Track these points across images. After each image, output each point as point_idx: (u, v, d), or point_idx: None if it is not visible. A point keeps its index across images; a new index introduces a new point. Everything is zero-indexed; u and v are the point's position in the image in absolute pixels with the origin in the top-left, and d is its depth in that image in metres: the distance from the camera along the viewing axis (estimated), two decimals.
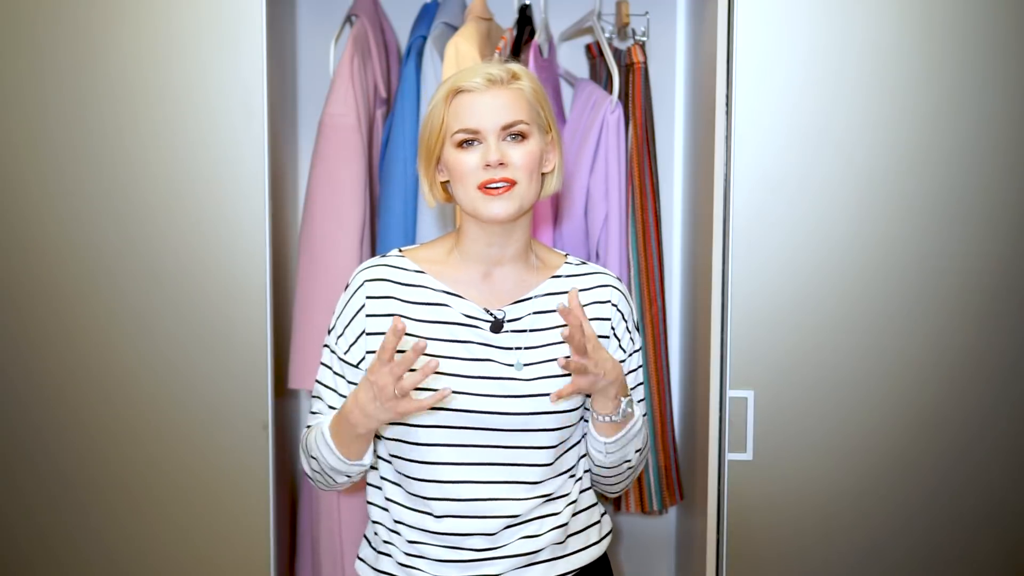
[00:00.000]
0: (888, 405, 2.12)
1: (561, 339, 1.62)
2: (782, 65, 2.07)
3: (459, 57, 2.19)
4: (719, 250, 2.12)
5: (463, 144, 1.60)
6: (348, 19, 2.43)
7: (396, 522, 1.68)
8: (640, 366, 1.77)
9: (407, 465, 1.65)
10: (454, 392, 1.59)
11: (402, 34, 2.61)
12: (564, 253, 1.77)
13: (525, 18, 2.52)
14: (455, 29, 2.36)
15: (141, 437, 2.16)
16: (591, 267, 1.75)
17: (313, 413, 1.71)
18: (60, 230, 2.12)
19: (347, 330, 1.66)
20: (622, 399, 1.61)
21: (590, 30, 2.61)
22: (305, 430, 1.71)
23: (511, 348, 1.64)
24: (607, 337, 1.71)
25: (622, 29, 2.55)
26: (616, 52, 2.50)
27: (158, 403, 2.15)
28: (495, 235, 1.65)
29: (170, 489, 2.17)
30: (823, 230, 2.09)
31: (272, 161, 2.14)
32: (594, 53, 2.65)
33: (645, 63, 2.42)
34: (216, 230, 2.12)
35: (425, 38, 2.33)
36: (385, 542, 1.69)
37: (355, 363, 1.66)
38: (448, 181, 1.66)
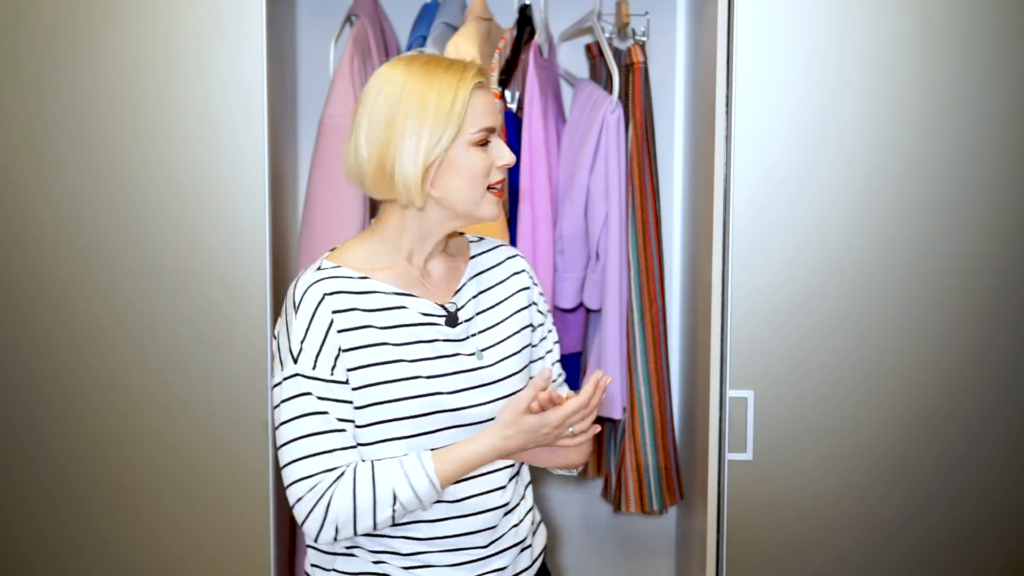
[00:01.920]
0: (888, 405, 2.12)
1: (503, 316, 1.66)
2: (782, 65, 2.07)
3: (460, 57, 2.18)
4: (719, 250, 2.12)
5: (480, 144, 1.54)
6: (348, 19, 2.43)
7: (384, 536, 1.58)
8: (552, 328, 1.78)
9: None
10: (432, 394, 1.56)
11: (402, 34, 2.61)
12: (459, 232, 1.72)
13: (525, 18, 2.52)
14: (455, 29, 2.35)
15: (141, 436, 2.16)
16: (489, 241, 1.74)
17: (315, 456, 1.50)
18: (60, 230, 2.12)
19: (322, 351, 1.51)
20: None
21: (590, 30, 2.61)
22: (336, 485, 1.48)
23: (467, 338, 1.61)
24: (528, 307, 1.70)
25: (622, 29, 2.55)
26: (616, 52, 2.50)
27: (158, 402, 2.15)
28: (445, 234, 1.60)
29: (170, 488, 2.17)
30: (823, 230, 2.09)
31: (272, 161, 2.14)
32: (594, 53, 2.65)
33: (645, 63, 2.42)
34: (216, 230, 2.12)
35: (425, 38, 2.33)
36: (375, 562, 1.59)
37: (343, 380, 1.52)
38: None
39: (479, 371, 1.60)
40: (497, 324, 1.66)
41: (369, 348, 1.53)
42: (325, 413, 1.50)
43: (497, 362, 1.62)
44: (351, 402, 1.53)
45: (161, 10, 2.08)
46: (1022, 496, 2.13)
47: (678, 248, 2.71)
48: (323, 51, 2.53)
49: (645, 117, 2.41)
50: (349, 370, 1.53)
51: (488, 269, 1.69)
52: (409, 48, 2.35)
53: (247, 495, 2.15)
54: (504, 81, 2.33)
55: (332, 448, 1.50)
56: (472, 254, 1.70)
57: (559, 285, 2.39)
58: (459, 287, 1.64)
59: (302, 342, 1.51)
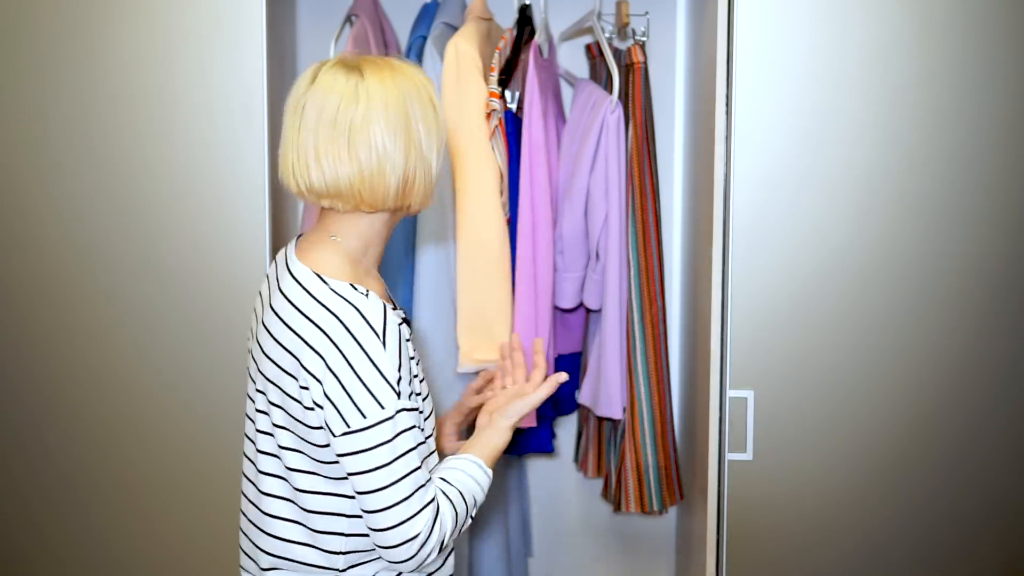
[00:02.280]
0: (888, 405, 2.12)
1: None
2: (782, 65, 2.07)
3: (459, 57, 2.18)
4: (719, 250, 2.12)
5: None
6: (348, 19, 2.43)
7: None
8: None
9: None
10: (428, 396, 1.62)
11: (402, 34, 2.61)
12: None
13: (525, 18, 2.52)
14: (455, 29, 2.35)
15: (141, 436, 2.16)
16: None
17: (423, 487, 1.48)
18: (61, 230, 2.12)
19: (408, 382, 1.50)
20: None
21: (590, 30, 2.61)
22: (441, 510, 1.50)
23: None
24: None
25: (622, 29, 2.55)
26: (616, 52, 2.50)
27: (158, 402, 2.15)
28: (389, 234, 1.61)
29: (171, 488, 2.17)
30: (823, 230, 2.09)
31: (272, 161, 2.14)
32: (594, 53, 2.65)
33: (645, 63, 2.42)
34: (216, 230, 2.12)
35: (425, 38, 2.33)
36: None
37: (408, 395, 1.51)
38: None
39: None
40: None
41: (412, 362, 1.54)
42: (423, 443, 1.51)
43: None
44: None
45: (161, 10, 2.08)
46: (1022, 496, 2.13)
47: (678, 248, 2.71)
48: (323, 51, 2.53)
49: (645, 117, 2.41)
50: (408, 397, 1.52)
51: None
52: (409, 48, 2.35)
53: None
54: (504, 81, 2.32)
55: (429, 477, 1.51)
56: None
57: (559, 285, 2.39)
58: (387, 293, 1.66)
59: (399, 370, 1.46)
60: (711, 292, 2.13)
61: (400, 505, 1.44)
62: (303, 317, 1.47)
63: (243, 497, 1.66)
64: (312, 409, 1.47)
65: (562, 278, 2.40)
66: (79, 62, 2.09)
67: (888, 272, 2.09)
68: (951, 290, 2.09)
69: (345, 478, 1.52)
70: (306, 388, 1.46)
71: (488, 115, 2.24)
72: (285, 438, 1.53)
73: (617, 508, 2.46)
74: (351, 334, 1.44)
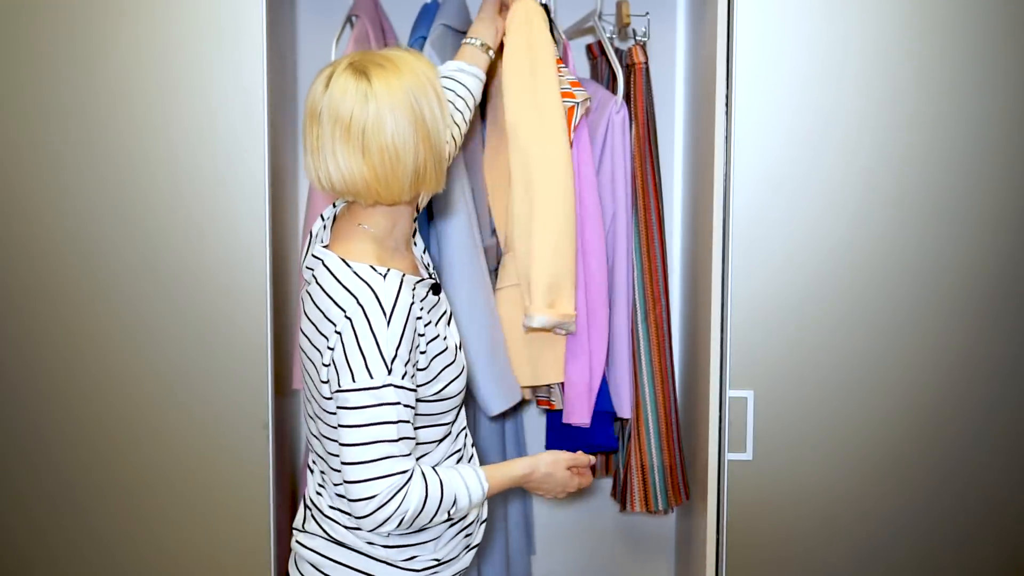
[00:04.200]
0: (888, 405, 2.12)
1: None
2: (782, 65, 2.07)
3: (530, 17, 2.16)
4: (719, 250, 2.12)
5: None
6: (348, 19, 2.43)
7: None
8: None
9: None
10: (464, 368, 1.77)
11: (402, 34, 2.61)
12: None
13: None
14: (454, 31, 2.35)
15: (141, 437, 2.16)
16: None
17: (393, 458, 1.60)
18: (60, 230, 2.12)
19: (409, 360, 1.62)
20: None
21: (591, 30, 2.60)
22: (408, 486, 1.61)
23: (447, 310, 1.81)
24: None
25: (622, 29, 2.55)
26: (617, 52, 2.50)
27: (158, 403, 2.15)
28: (413, 215, 1.76)
29: (170, 489, 2.17)
30: (823, 230, 2.09)
31: (272, 161, 2.15)
32: (595, 53, 2.64)
33: (646, 63, 2.42)
34: (216, 230, 2.12)
35: (425, 38, 2.33)
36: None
37: (415, 388, 1.65)
38: None
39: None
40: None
41: (434, 341, 1.68)
42: (407, 422, 1.61)
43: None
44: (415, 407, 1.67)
45: (161, 10, 2.08)
46: (1022, 496, 2.13)
47: (678, 248, 2.71)
48: (323, 51, 2.53)
49: (647, 117, 2.41)
50: (420, 370, 1.66)
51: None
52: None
53: (248, 496, 2.15)
54: None
55: (407, 453, 1.61)
56: None
57: None
58: (423, 260, 1.83)
59: (397, 349, 1.59)
60: (711, 292, 2.13)
61: (366, 465, 1.58)
62: (328, 298, 1.63)
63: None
64: (327, 382, 1.62)
65: None
66: (79, 62, 2.09)
67: (888, 272, 2.09)
68: (951, 290, 2.09)
69: None
70: (327, 365, 1.61)
71: (572, 108, 2.22)
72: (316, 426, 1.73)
73: (623, 508, 2.46)
74: (362, 308, 1.59)
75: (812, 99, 2.07)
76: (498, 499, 2.58)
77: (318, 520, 1.76)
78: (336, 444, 1.65)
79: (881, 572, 2.15)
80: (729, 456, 2.13)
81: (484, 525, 1.92)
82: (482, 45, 2.12)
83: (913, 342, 2.10)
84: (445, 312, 1.79)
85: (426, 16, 2.42)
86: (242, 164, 2.11)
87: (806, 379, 2.11)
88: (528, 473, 1.80)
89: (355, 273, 1.62)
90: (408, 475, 1.60)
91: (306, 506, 1.81)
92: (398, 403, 1.59)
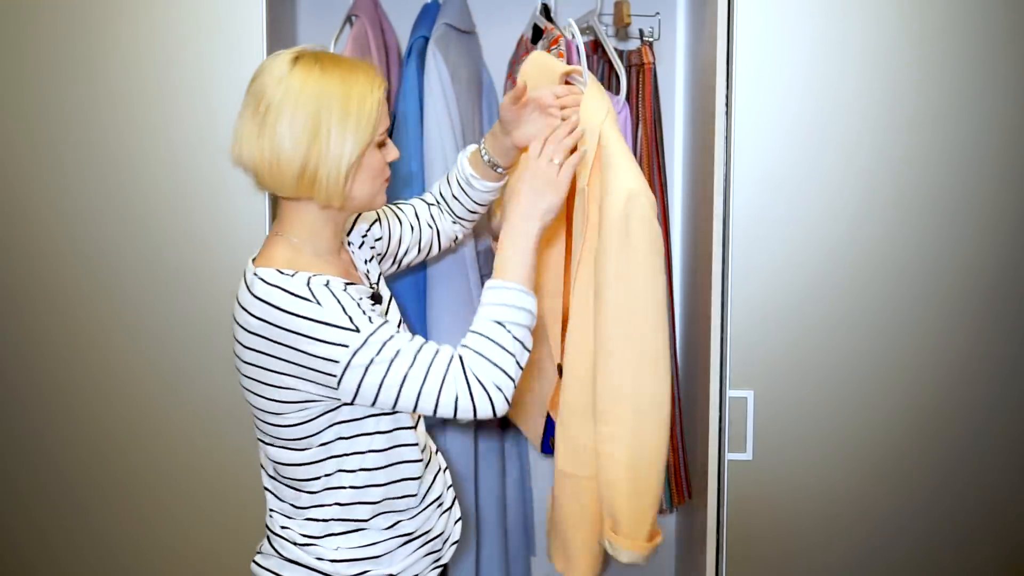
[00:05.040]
0: (888, 405, 2.12)
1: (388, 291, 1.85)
2: (782, 65, 2.07)
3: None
4: (719, 250, 2.12)
5: (381, 145, 1.65)
6: (348, 19, 2.43)
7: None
8: None
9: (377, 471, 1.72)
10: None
11: (401, 34, 2.60)
12: None
13: (537, 27, 2.51)
14: (457, 30, 2.35)
15: (141, 435, 2.16)
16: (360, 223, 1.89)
17: (439, 353, 1.59)
18: (60, 230, 2.12)
19: (364, 311, 1.57)
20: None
21: (590, 29, 2.60)
22: (462, 358, 1.59)
23: (387, 314, 1.78)
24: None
25: (621, 29, 2.55)
26: (617, 52, 2.50)
27: (158, 402, 2.15)
28: (341, 224, 1.71)
29: (170, 488, 2.17)
30: (823, 230, 2.09)
31: None
32: (587, 52, 2.64)
33: (654, 63, 2.43)
34: (216, 230, 2.12)
35: (427, 38, 2.33)
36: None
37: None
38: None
39: None
40: (392, 298, 1.83)
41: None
42: (412, 339, 1.57)
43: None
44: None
45: (161, 10, 2.08)
46: (1022, 496, 2.13)
47: (678, 248, 2.71)
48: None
49: (655, 118, 2.41)
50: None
51: (359, 246, 1.85)
52: (410, 48, 2.35)
53: (248, 495, 2.15)
54: None
55: (436, 348, 1.58)
56: (350, 240, 1.84)
57: None
58: (366, 271, 1.79)
59: (346, 312, 1.54)
60: (711, 292, 2.13)
61: (425, 387, 1.55)
62: (246, 313, 1.57)
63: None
64: (284, 388, 1.58)
65: None
66: (79, 62, 2.09)
67: (888, 272, 2.10)
68: (951, 290, 2.09)
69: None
70: (301, 378, 1.56)
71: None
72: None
73: None
74: (282, 310, 1.53)
75: (812, 100, 2.07)
76: (498, 500, 2.57)
77: (271, 541, 1.74)
78: (387, 407, 1.61)
79: (881, 572, 2.15)
80: (729, 456, 2.13)
81: (455, 547, 1.89)
82: (489, 162, 1.97)
83: (913, 342, 2.10)
84: (397, 322, 1.77)
85: (427, 16, 2.42)
86: None
87: (806, 379, 2.11)
88: (522, 207, 1.72)
89: (261, 279, 1.57)
90: (454, 355, 1.58)
91: (265, 530, 1.79)
92: (390, 337, 1.55)
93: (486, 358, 1.59)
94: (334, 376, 1.54)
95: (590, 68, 2.65)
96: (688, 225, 2.56)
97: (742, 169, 2.09)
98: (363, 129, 1.57)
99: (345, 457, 1.66)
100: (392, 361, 1.54)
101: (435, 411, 1.57)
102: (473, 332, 1.62)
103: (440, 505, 1.82)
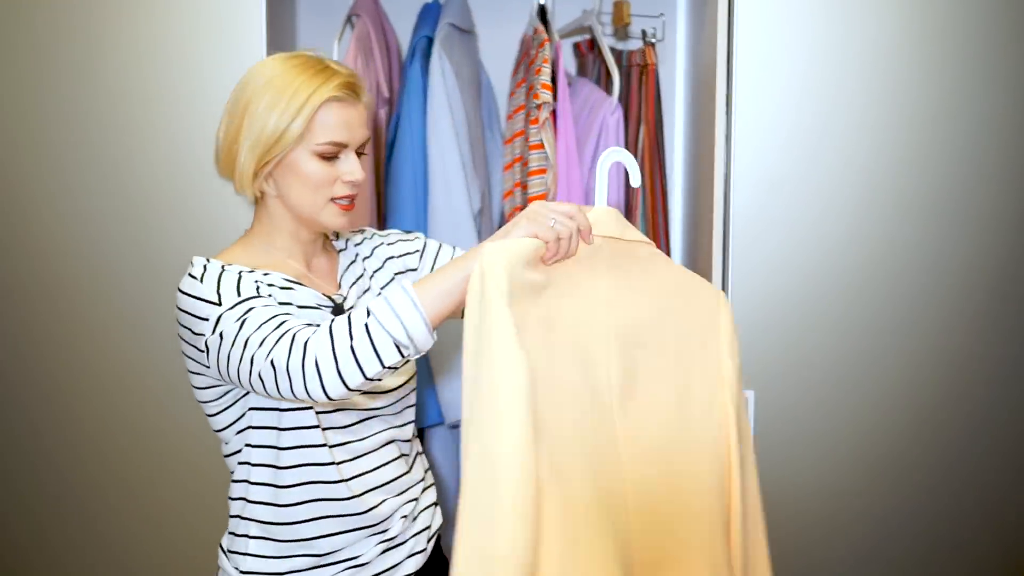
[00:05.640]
0: (888, 405, 2.12)
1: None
2: (782, 65, 2.08)
3: None
4: (719, 250, 2.12)
5: (324, 156, 1.53)
6: (349, 19, 2.43)
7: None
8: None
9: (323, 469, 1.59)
10: None
11: (401, 34, 2.61)
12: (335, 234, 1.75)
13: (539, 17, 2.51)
14: (460, 30, 2.36)
15: (141, 435, 2.16)
16: (363, 232, 1.78)
17: (277, 315, 1.44)
18: (60, 230, 2.12)
19: (241, 285, 1.49)
20: None
21: (588, 29, 2.61)
22: (299, 335, 1.39)
23: None
24: (416, 252, 1.75)
25: (620, 29, 2.55)
26: (615, 53, 2.51)
27: (158, 401, 2.15)
28: (310, 234, 1.62)
29: (171, 487, 2.17)
30: (823, 230, 2.10)
31: None
32: (583, 50, 2.65)
33: (656, 64, 2.43)
34: (216, 230, 2.12)
35: (429, 38, 2.33)
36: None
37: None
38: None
39: None
40: None
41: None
42: (273, 316, 1.43)
43: None
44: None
45: (161, 10, 2.08)
46: (1021, 495, 2.14)
47: (678, 248, 2.71)
48: (324, 51, 2.52)
49: (657, 119, 2.42)
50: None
51: (363, 258, 1.72)
52: (412, 48, 2.35)
53: None
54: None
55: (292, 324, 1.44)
56: (339, 248, 1.72)
57: None
58: (339, 279, 1.67)
59: (217, 291, 1.47)
60: None
61: (257, 354, 1.40)
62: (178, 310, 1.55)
63: None
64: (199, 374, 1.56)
65: None
66: (79, 62, 2.09)
67: (887, 272, 2.10)
68: (950, 290, 2.10)
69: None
70: (192, 372, 1.58)
71: (540, 106, 2.22)
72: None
73: None
74: (179, 291, 1.51)
75: (812, 99, 2.08)
76: None
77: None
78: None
79: (880, 571, 2.16)
80: None
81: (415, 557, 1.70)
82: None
83: (912, 342, 2.11)
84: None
85: (428, 16, 2.42)
86: None
87: (806, 379, 2.12)
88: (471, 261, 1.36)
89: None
90: (299, 329, 1.40)
91: None
92: (251, 309, 1.44)
93: (330, 334, 1.37)
94: (203, 352, 1.49)
95: (585, 68, 2.66)
96: (688, 225, 2.56)
97: (742, 169, 2.09)
98: (285, 123, 1.49)
99: (253, 452, 1.59)
100: (240, 329, 1.42)
101: (265, 383, 1.40)
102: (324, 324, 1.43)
103: (387, 539, 1.65)
